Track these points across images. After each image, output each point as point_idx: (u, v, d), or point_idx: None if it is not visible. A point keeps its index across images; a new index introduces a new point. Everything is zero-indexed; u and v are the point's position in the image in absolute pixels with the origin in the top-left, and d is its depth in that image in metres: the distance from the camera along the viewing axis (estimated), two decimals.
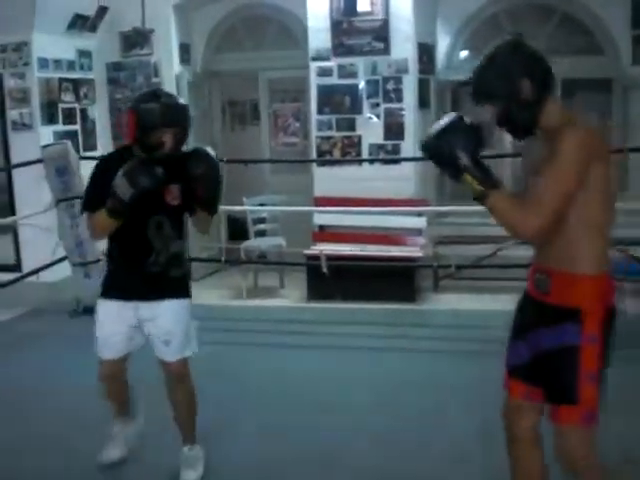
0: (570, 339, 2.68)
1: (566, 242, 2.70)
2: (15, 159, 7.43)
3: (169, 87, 8.14)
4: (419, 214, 7.46)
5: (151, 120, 3.47)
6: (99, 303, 3.91)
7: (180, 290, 3.80)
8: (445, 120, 2.90)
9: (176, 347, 3.79)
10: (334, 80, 7.65)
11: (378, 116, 7.64)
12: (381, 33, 7.49)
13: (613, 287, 2.77)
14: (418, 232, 7.49)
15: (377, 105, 7.63)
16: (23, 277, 7.09)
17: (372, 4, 7.46)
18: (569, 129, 2.62)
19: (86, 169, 7.16)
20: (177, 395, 3.89)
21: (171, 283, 3.75)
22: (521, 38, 2.76)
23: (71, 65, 7.91)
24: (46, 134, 7.47)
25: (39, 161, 6.87)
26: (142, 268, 3.70)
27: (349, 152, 7.72)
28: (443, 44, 8.27)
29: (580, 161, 2.57)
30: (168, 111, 3.50)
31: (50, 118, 7.60)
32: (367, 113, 7.65)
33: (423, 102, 7.85)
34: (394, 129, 7.61)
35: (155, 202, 3.56)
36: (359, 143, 7.66)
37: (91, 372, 5.48)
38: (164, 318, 3.74)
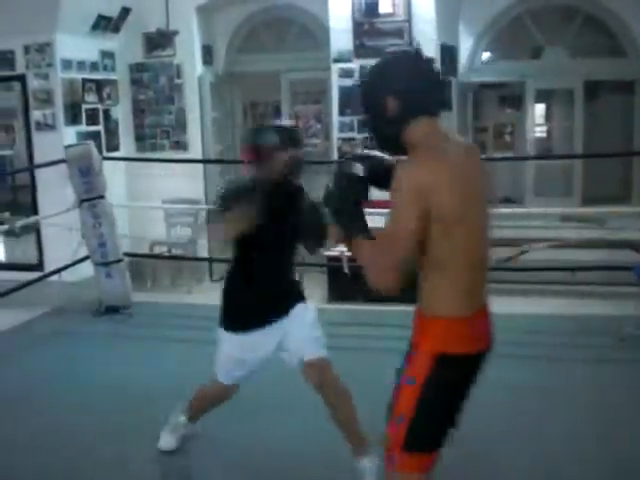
0: (398, 378, 2.61)
1: (421, 280, 2.60)
2: (38, 159, 7.48)
3: (191, 88, 8.20)
4: None
5: None
6: None
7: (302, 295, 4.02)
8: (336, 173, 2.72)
9: (318, 346, 3.91)
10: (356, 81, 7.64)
11: None
12: (403, 34, 7.47)
13: (479, 332, 2.62)
14: None
15: None
16: (45, 276, 7.14)
17: (394, 5, 7.45)
18: (402, 164, 2.49)
19: (109, 170, 7.29)
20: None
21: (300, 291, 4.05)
22: (416, 52, 2.66)
23: (94, 66, 7.95)
24: (69, 134, 7.51)
25: (62, 161, 6.92)
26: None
27: None
28: (465, 46, 8.25)
29: (410, 201, 2.40)
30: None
31: (73, 119, 7.64)
32: None
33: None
34: None
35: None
36: None
37: (112, 371, 5.55)
38: (297, 319, 3.91)
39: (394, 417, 2.56)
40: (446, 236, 2.44)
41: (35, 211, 7.63)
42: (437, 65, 2.65)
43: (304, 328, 3.81)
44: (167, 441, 4.20)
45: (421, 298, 2.60)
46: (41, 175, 7.50)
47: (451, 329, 2.52)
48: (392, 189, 2.46)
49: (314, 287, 7.77)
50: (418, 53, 2.63)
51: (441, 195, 2.39)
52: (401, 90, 2.52)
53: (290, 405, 4.79)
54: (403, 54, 2.73)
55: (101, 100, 8.08)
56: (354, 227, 2.64)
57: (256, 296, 3.76)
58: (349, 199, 2.67)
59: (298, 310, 3.83)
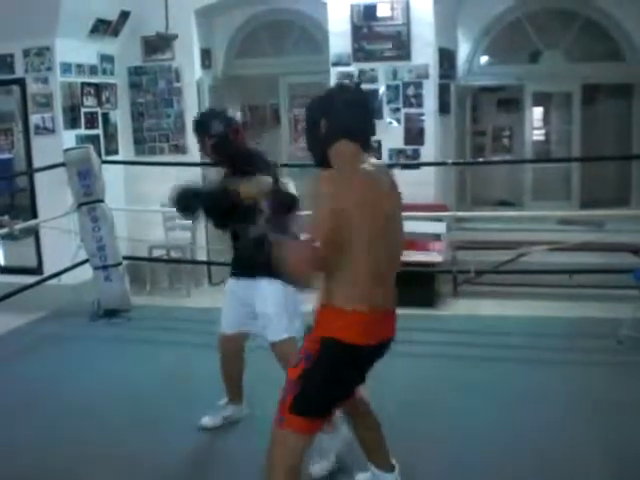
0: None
1: (327, 274, 2.97)
2: (37, 163, 7.49)
3: (190, 92, 8.21)
4: (439, 219, 7.44)
5: None
6: None
7: (273, 272, 4.11)
8: None
9: (276, 328, 4.19)
10: None
11: (398, 121, 7.64)
12: (401, 38, 7.49)
13: (371, 329, 2.96)
14: (437, 237, 7.48)
15: (397, 110, 7.63)
16: (44, 280, 7.15)
17: (392, 9, 7.47)
18: (323, 175, 2.95)
19: (108, 173, 7.30)
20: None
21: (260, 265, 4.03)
22: (355, 86, 3.39)
23: (93, 70, 7.97)
24: (68, 138, 7.52)
25: (61, 165, 6.93)
26: None
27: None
28: (464, 49, 8.27)
29: (327, 208, 2.84)
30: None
31: (72, 122, 7.65)
32: (387, 118, 7.65)
33: (443, 107, 7.85)
34: (414, 134, 7.62)
35: None
36: (379, 148, 7.66)
37: (111, 374, 5.56)
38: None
39: (288, 383, 3.01)
40: (354, 245, 2.85)
41: (34, 214, 7.63)
42: (370, 101, 3.22)
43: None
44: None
45: (324, 289, 3.00)
46: (40, 179, 7.51)
47: (342, 319, 2.94)
48: (312, 195, 2.90)
49: (315, 290, 7.79)
50: (357, 88, 3.32)
51: (353, 208, 2.83)
52: (333, 116, 2.99)
53: None
54: (343, 87, 3.34)
55: (100, 104, 8.09)
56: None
57: None
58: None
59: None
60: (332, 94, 3.12)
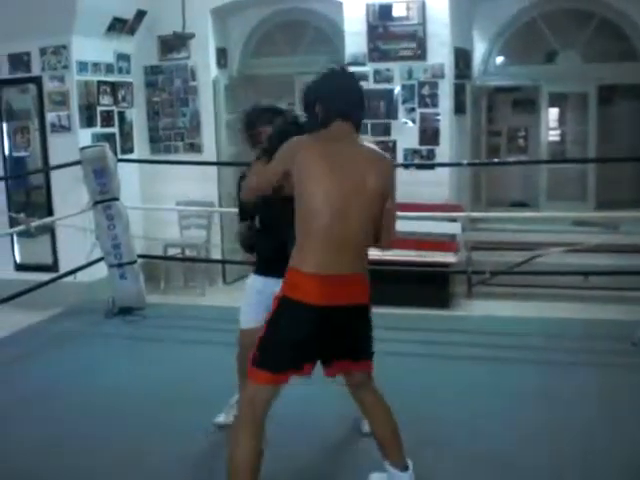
0: None
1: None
2: (53, 161, 7.52)
3: (206, 91, 8.24)
4: (454, 219, 7.42)
5: None
6: None
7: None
8: None
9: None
10: (370, 85, 7.64)
11: (413, 121, 7.63)
12: (417, 38, 7.48)
13: (325, 291, 3.16)
14: (452, 237, 7.46)
15: (412, 110, 7.62)
16: (60, 277, 7.18)
17: (408, 9, 7.46)
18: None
19: (123, 171, 7.33)
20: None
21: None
22: (342, 70, 3.39)
23: (109, 68, 8.00)
24: (84, 136, 7.55)
25: (77, 163, 6.95)
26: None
27: None
28: (479, 49, 8.25)
29: (281, 157, 3.29)
30: None
31: (88, 121, 7.68)
32: (402, 118, 7.65)
33: (459, 107, 7.83)
34: (429, 134, 7.61)
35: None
36: (394, 148, 7.66)
37: (125, 371, 5.58)
38: None
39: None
40: (304, 211, 3.18)
41: (50, 212, 7.67)
42: (357, 82, 3.40)
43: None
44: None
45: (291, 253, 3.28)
46: (56, 176, 7.54)
47: (295, 279, 3.20)
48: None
49: None
50: (344, 71, 3.39)
51: (304, 164, 3.17)
52: (323, 99, 3.28)
53: None
54: (333, 72, 3.37)
55: (116, 102, 8.12)
56: None
57: None
58: None
59: None
60: (323, 79, 3.36)
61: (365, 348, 3.45)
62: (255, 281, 4.25)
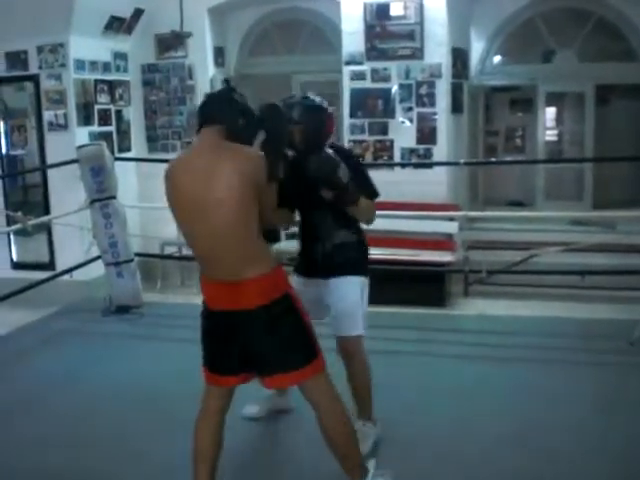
0: None
1: None
2: (50, 159, 7.51)
3: (203, 89, 8.21)
4: (451, 219, 7.44)
5: None
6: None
7: (346, 269, 4.07)
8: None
9: (341, 324, 4.07)
10: (367, 84, 7.66)
11: (411, 120, 7.63)
12: (415, 37, 7.48)
13: (213, 296, 3.31)
14: (449, 237, 7.47)
15: (410, 109, 7.62)
16: (57, 276, 7.18)
17: (405, 8, 7.46)
18: None
19: (120, 170, 7.32)
20: (350, 369, 4.12)
21: (338, 265, 4.07)
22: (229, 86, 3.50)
23: (107, 67, 8.00)
24: (81, 135, 7.55)
25: (74, 161, 6.95)
26: (312, 254, 4.12)
27: (381, 156, 7.72)
28: (477, 49, 8.25)
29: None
30: None
31: (85, 119, 7.68)
32: (400, 117, 7.65)
33: (456, 107, 7.84)
34: (427, 133, 7.61)
35: (318, 195, 3.83)
36: (391, 147, 7.66)
37: (122, 370, 5.57)
38: (331, 295, 4.07)
39: None
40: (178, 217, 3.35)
41: (47, 211, 7.66)
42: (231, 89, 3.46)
43: (330, 304, 4.10)
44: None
45: None
46: (53, 175, 7.53)
47: (201, 282, 3.37)
48: None
49: None
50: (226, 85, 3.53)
51: (169, 184, 3.30)
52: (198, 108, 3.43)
53: None
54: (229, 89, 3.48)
55: (113, 101, 8.12)
56: None
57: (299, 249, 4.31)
58: None
59: (332, 284, 4.08)
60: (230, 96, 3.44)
61: (288, 357, 3.29)
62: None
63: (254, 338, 3.24)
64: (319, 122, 3.99)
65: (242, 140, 3.29)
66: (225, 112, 3.32)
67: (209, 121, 3.32)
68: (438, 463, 4.03)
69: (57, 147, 7.46)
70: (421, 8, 7.41)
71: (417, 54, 7.50)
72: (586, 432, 4.36)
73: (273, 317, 3.23)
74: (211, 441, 3.41)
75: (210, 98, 3.45)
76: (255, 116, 3.41)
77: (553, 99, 8.56)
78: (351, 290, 4.07)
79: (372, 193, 4.01)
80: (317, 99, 4.14)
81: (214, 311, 3.32)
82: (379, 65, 7.63)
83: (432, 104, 7.58)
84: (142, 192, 8.40)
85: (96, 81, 7.81)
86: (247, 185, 3.13)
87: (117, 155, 7.77)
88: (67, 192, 7.37)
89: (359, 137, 7.76)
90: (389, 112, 7.66)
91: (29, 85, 7.69)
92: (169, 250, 8.23)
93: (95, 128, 7.80)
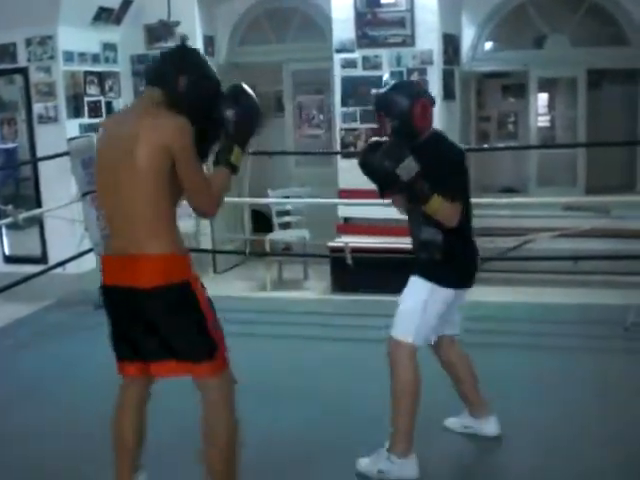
0: None
1: None
2: (41, 152, 7.48)
3: None
4: None
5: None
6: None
7: (424, 271, 3.76)
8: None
9: (395, 323, 3.80)
10: (358, 72, 7.62)
11: None
12: (405, 24, 7.44)
13: (110, 270, 3.09)
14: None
15: None
16: (49, 269, 7.15)
17: None
18: None
19: None
20: (391, 380, 3.79)
21: (419, 264, 3.81)
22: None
23: (96, 58, 7.95)
24: (72, 127, 7.51)
25: (65, 154, 6.92)
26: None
27: None
28: (468, 35, 8.22)
29: None
30: None
31: (76, 111, 7.64)
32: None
33: (448, 93, 7.81)
34: None
35: None
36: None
37: (114, 363, 5.54)
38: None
39: None
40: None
41: (38, 204, 7.63)
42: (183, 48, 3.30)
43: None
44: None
45: None
46: (44, 168, 7.50)
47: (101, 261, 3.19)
48: None
49: (317, 278, 7.82)
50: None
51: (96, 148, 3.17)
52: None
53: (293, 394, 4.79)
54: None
55: (103, 92, 8.07)
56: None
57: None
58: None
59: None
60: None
61: (182, 347, 3.09)
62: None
63: (146, 320, 3.03)
64: (402, 111, 3.60)
65: (181, 105, 3.00)
66: (164, 73, 3.06)
67: (148, 82, 3.12)
68: (432, 451, 4.02)
69: (47, 140, 7.42)
70: None
71: (408, 41, 7.47)
72: (582, 417, 4.37)
73: (169, 302, 3.00)
74: (133, 430, 3.30)
75: (159, 57, 3.18)
76: (210, 79, 3.19)
77: (545, 84, 8.55)
78: (414, 293, 3.74)
79: (446, 194, 3.54)
80: (405, 85, 3.96)
81: (109, 287, 3.08)
82: (370, 53, 7.60)
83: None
84: None
85: (85, 73, 7.76)
86: (162, 159, 2.89)
87: None
88: (58, 185, 7.34)
89: (351, 125, 7.73)
90: None
91: (18, 78, 7.65)
92: None
93: (85, 120, 7.76)
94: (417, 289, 3.73)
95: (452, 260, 3.71)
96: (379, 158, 3.52)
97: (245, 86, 3.33)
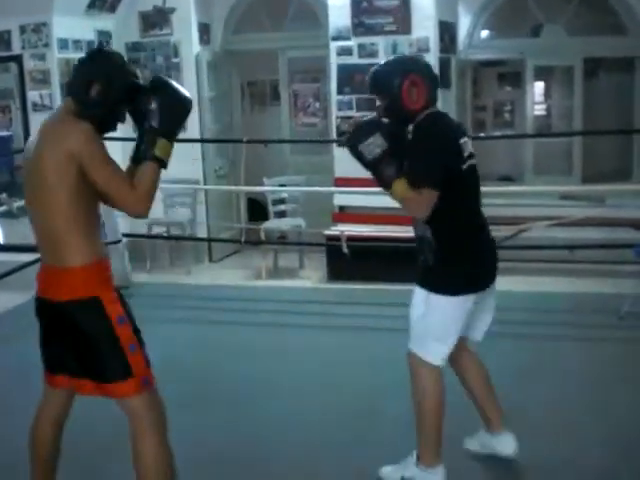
0: None
1: None
2: None
3: (188, 67, 8.15)
4: None
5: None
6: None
7: (421, 278, 3.45)
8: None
9: (410, 334, 3.48)
10: (354, 60, 7.59)
11: None
12: (402, 12, 7.41)
13: (38, 281, 3.03)
14: None
15: None
16: None
17: None
18: None
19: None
20: (412, 391, 3.53)
21: (419, 270, 3.51)
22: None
23: (91, 46, 7.87)
24: None
25: None
26: None
27: None
28: (464, 23, 8.19)
29: None
30: None
31: None
32: None
33: (444, 81, 7.77)
34: None
35: None
36: None
37: None
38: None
39: None
40: None
41: None
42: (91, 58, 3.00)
43: None
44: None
45: None
46: None
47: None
48: None
49: (313, 267, 7.81)
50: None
51: None
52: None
53: (273, 390, 4.79)
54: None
55: None
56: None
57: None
58: None
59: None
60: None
61: (95, 366, 2.99)
62: None
63: (63, 335, 2.98)
64: (389, 89, 3.36)
65: (92, 115, 2.88)
66: (73, 82, 2.95)
67: (66, 91, 3.05)
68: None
69: None
70: None
71: (404, 29, 7.43)
72: (577, 406, 4.37)
73: (77, 317, 2.90)
74: (47, 445, 3.22)
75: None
76: (129, 85, 2.97)
77: (541, 73, 8.53)
78: (415, 302, 3.43)
79: (414, 178, 3.20)
80: (394, 61, 3.71)
81: (36, 298, 3.06)
82: (366, 40, 7.56)
83: None
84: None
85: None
86: (68, 169, 2.79)
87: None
88: None
89: (347, 113, 7.70)
90: None
91: (13, 65, 7.62)
92: (157, 230, 8.18)
93: None
94: (415, 301, 3.43)
95: (451, 264, 3.39)
96: (352, 133, 3.35)
97: (166, 78, 3.18)
